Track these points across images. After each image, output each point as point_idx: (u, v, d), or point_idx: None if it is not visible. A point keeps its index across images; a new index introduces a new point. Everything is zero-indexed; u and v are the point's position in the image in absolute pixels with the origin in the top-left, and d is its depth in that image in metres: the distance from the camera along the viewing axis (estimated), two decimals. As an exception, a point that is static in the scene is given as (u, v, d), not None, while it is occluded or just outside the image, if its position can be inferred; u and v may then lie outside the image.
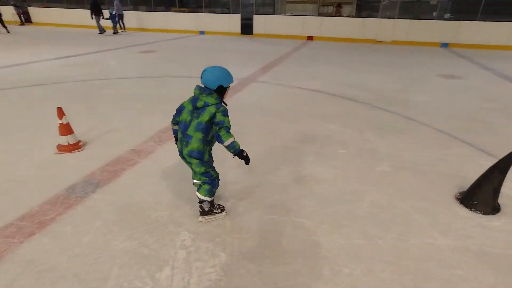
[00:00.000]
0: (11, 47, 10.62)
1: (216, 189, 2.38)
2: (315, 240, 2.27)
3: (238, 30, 16.63)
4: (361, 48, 12.86)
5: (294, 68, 8.40)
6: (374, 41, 14.75)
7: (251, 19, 16.27)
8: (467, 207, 2.63)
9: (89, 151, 3.52)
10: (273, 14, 17.39)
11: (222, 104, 2.13)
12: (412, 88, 6.51)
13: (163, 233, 2.30)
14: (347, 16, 16.87)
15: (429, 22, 14.31)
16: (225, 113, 2.07)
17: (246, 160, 2.14)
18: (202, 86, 2.12)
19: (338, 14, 17.23)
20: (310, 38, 15.67)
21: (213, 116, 2.05)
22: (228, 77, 2.15)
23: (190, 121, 2.10)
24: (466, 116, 4.91)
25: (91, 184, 2.86)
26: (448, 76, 7.76)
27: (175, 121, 2.26)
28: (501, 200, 2.65)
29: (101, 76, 6.87)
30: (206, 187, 2.30)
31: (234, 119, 4.33)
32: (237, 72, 7.47)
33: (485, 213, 2.56)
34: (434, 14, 15.38)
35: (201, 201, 2.38)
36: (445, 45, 13.71)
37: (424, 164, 3.35)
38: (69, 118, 3.49)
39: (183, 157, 2.24)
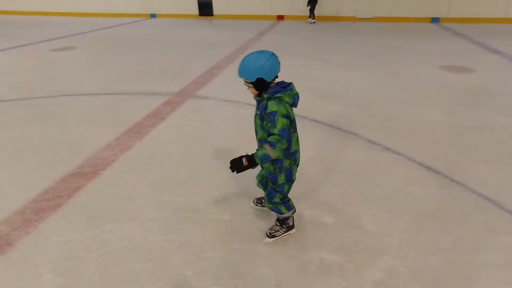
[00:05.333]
0: None
1: None
2: None
3: (196, 11, 14.08)
4: (338, 29, 10.78)
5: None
6: (354, 19, 12.67)
7: (210, -3, 13.71)
8: None
9: None
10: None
11: None
12: (414, 98, 4.58)
13: None
14: (322, -11, 14.57)
15: (417, -7, 12.28)
16: None
17: None
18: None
19: (311, -13, 14.88)
20: (280, 17, 13.38)
21: None
22: None
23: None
24: None
25: None
26: (454, 69, 5.88)
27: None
28: None
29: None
30: None
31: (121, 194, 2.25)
32: (172, 81, 5.31)
33: None
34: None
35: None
36: (436, 20, 11.80)
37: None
38: None
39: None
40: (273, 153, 1.61)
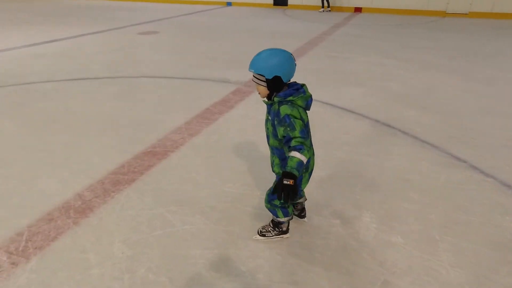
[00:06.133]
0: None
1: None
2: None
3: (270, 0, 14.03)
4: (426, 24, 9.74)
5: (323, 62, 6.01)
6: (444, 14, 11.32)
7: (286, -14, 13.52)
8: None
9: None
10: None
11: None
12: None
13: None
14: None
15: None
16: None
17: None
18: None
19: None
20: (358, 10, 12.62)
21: None
22: None
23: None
24: None
25: None
26: None
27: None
28: None
29: (59, 75, 5.23)
30: None
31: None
32: (242, 70, 5.38)
33: None
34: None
35: None
36: (551, 18, 9.94)
37: None
38: None
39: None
40: (304, 157, 1.44)
